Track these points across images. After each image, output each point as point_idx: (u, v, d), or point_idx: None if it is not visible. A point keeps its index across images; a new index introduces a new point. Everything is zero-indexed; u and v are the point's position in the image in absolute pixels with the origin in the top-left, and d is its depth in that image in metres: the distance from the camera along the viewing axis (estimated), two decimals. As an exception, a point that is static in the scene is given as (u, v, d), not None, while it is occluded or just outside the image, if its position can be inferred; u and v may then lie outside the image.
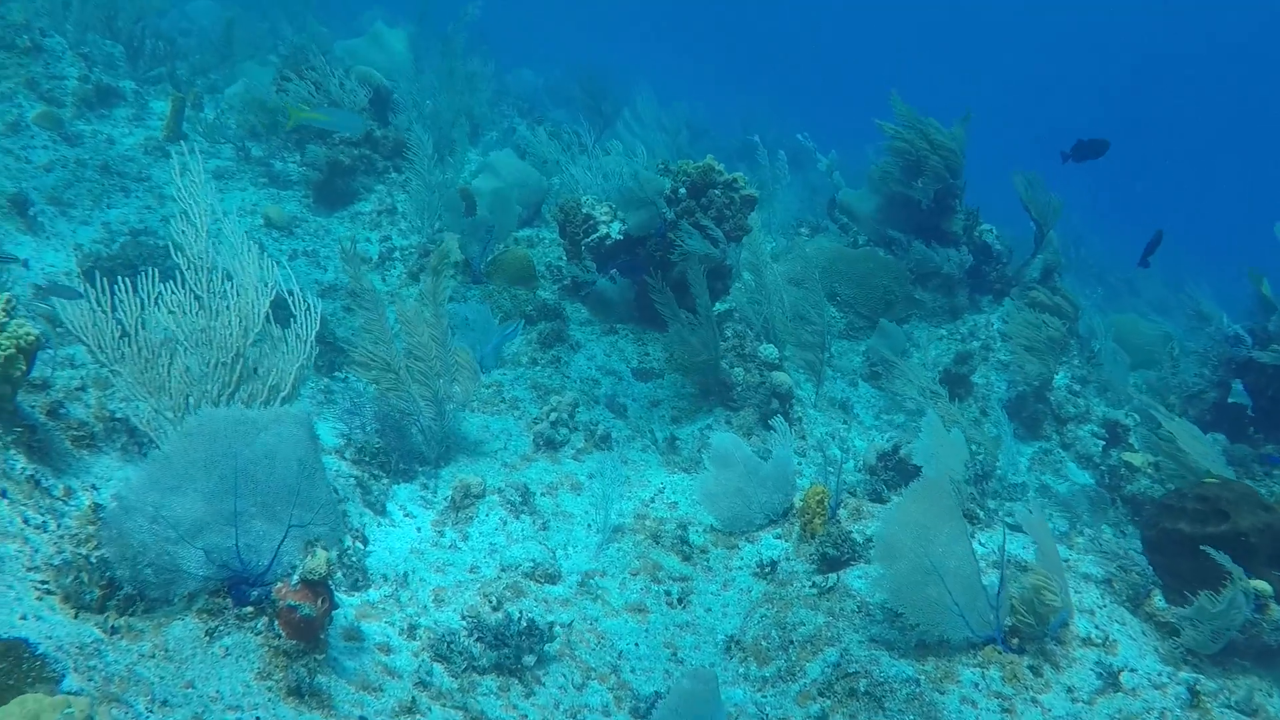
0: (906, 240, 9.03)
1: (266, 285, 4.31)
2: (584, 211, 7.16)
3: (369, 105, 9.22)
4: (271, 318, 4.24)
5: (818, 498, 4.82)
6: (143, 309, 3.93)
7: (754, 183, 7.23)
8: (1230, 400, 7.55)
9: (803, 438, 6.76)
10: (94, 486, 3.78)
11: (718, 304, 7.31)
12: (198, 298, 4.10)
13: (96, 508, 3.36)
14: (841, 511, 4.99)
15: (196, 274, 4.15)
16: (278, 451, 3.19)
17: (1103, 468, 7.27)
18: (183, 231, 4.19)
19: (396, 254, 8.06)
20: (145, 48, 10.74)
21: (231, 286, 4.23)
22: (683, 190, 6.85)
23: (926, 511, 3.80)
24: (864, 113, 9.84)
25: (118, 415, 4.34)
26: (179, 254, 4.15)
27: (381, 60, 11.79)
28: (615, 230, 7.08)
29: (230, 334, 4.08)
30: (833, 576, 4.48)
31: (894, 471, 6.14)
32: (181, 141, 9.18)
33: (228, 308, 4.16)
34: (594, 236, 7.08)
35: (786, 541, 5.04)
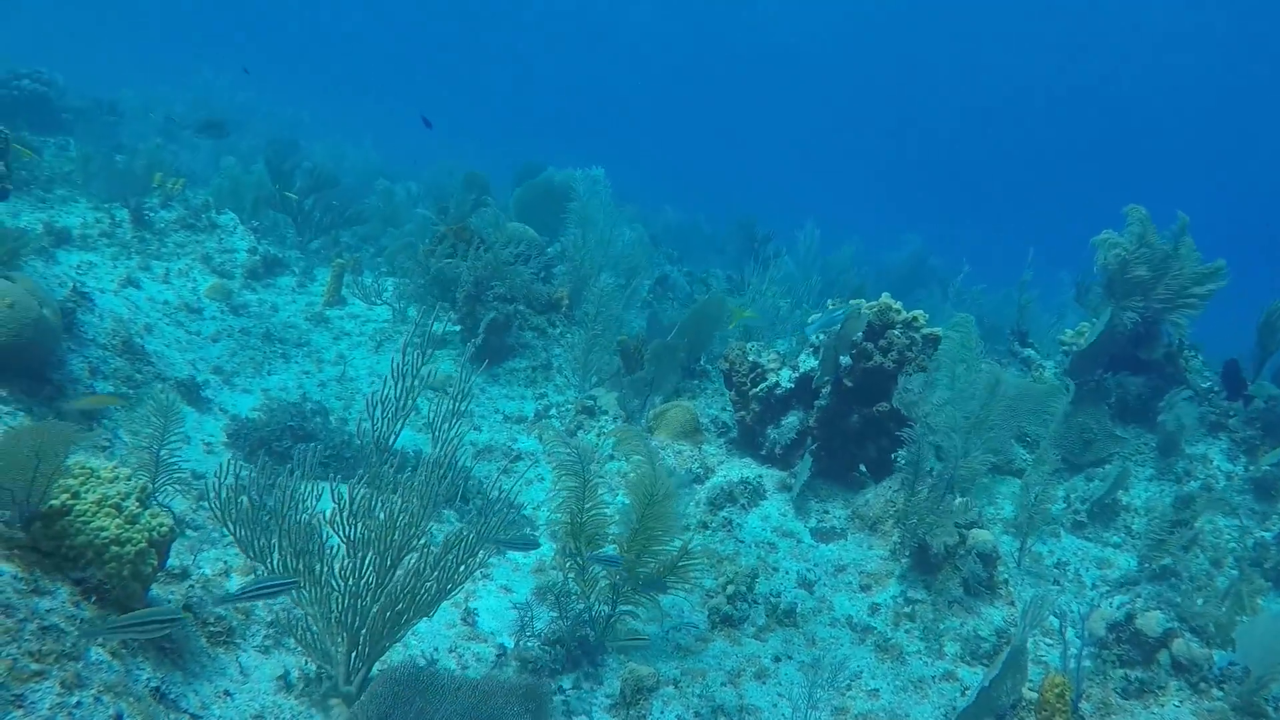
0: (1113, 375, 8.20)
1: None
2: (750, 359, 6.71)
3: (524, 260, 9.17)
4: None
5: (1056, 690, 4.03)
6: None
7: (933, 320, 6.64)
8: None
9: (1011, 603, 5.93)
10: (227, 693, 3.41)
11: (900, 453, 6.65)
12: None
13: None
14: (1084, 705, 4.18)
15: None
16: None
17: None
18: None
19: (553, 411, 7.77)
20: (314, 218, 11.14)
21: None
22: (859, 334, 6.33)
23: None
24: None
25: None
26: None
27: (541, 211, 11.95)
28: (785, 378, 6.59)
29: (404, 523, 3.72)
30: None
31: (1129, 645, 5.24)
32: (341, 306, 9.32)
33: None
34: (763, 386, 6.60)
35: (1022, 745, 4.23)
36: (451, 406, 4.15)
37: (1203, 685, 4.76)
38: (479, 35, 64.38)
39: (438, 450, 4.06)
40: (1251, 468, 7.65)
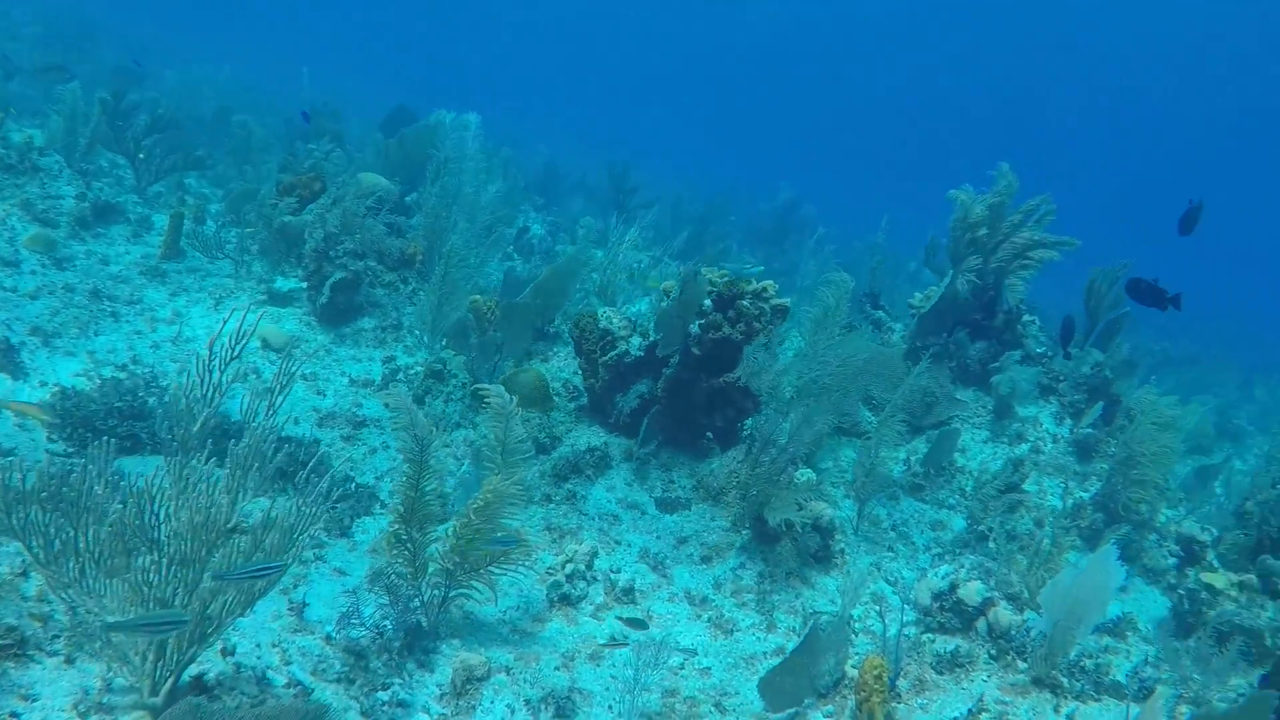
0: (955, 338, 8.46)
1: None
2: (601, 326, 6.65)
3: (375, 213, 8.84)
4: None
5: (875, 672, 4.16)
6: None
7: (785, 289, 6.69)
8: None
9: (846, 573, 6.12)
10: (14, 715, 3.21)
11: (747, 422, 6.74)
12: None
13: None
14: (902, 683, 4.34)
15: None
16: None
17: (1180, 591, 6.56)
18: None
19: (400, 375, 7.57)
20: (153, 160, 10.46)
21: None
22: (708, 302, 6.33)
23: None
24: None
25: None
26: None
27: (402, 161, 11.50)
28: (635, 346, 6.57)
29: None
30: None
31: (951, 613, 5.48)
32: (179, 259, 8.83)
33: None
34: (612, 354, 6.56)
35: None
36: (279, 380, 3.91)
37: (1008, 656, 5.01)
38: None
39: (263, 423, 3.84)
40: (1075, 430, 8.07)
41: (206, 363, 3.88)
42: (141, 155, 10.22)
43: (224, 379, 3.95)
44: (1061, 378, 8.45)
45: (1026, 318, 8.88)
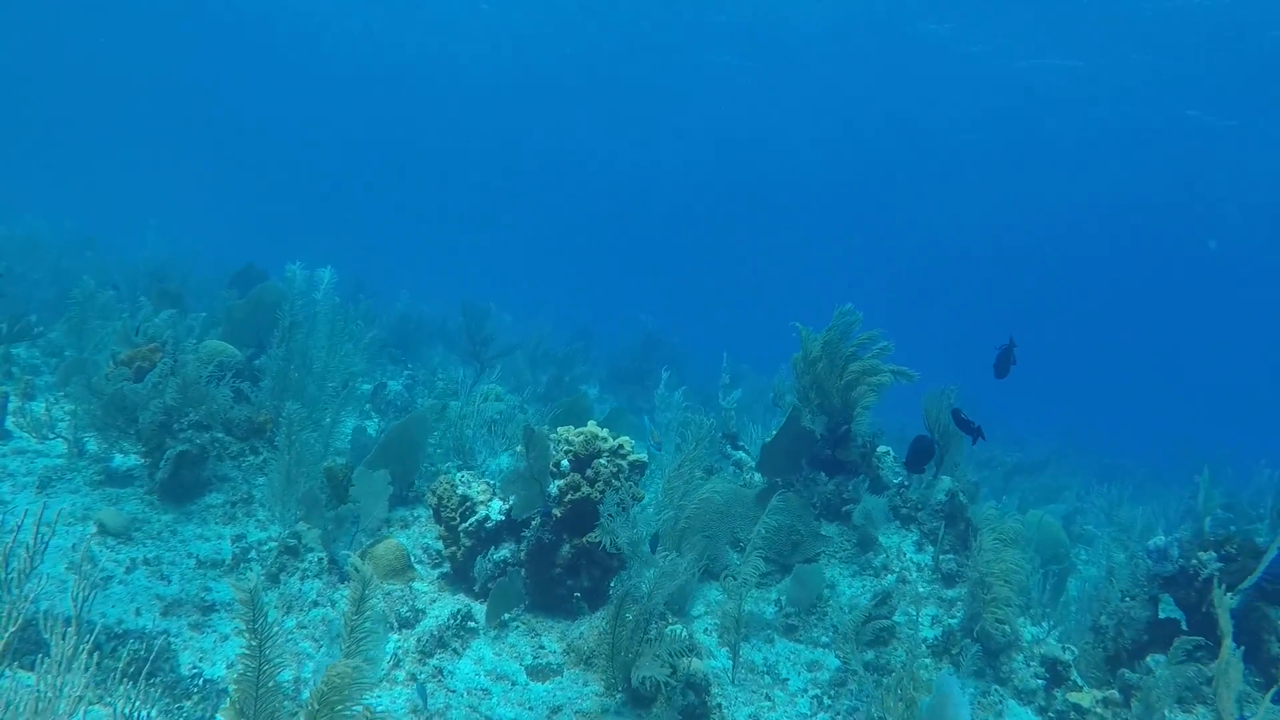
0: (810, 474, 8.65)
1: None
2: (459, 493, 6.52)
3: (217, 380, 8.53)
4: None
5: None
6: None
7: (641, 447, 6.72)
8: (1162, 616, 7.18)
9: (725, 728, 6.00)
10: None
11: (612, 581, 6.65)
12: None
13: None
14: None
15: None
16: None
17: (1050, 714, 6.69)
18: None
19: (253, 553, 7.19)
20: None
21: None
22: (565, 463, 6.30)
23: None
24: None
25: None
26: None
27: (250, 325, 11.20)
28: (495, 510, 6.44)
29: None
30: None
31: (832, 764, 5.42)
32: (5, 441, 8.29)
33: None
34: (472, 520, 6.41)
35: None
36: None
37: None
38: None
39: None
40: (941, 559, 8.27)
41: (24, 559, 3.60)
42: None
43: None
44: (919, 506, 8.70)
45: (881, 449, 9.18)
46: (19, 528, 7.26)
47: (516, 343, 16.54)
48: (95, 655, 3.83)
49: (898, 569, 8.32)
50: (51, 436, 8.38)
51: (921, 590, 8.07)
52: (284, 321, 9.13)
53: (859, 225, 67.88)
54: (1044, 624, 7.94)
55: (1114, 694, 6.75)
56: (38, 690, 3.51)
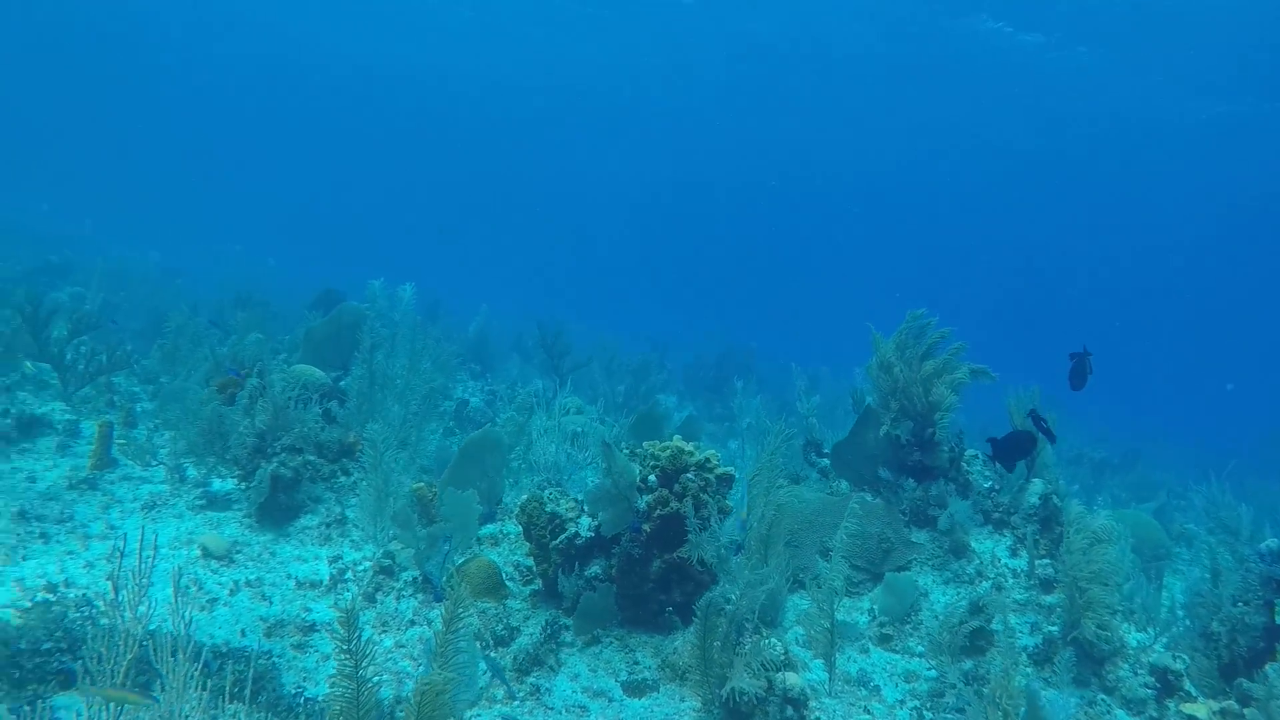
0: (896, 480, 8.52)
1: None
2: (548, 510, 6.56)
3: (305, 404, 8.74)
4: None
5: None
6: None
7: (726, 459, 6.68)
8: (1279, 622, 6.90)
9: (824, 742, 5.93)
10: None
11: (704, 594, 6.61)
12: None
13: None
14: None
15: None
16: None
17: (1163, 727, 6.48)
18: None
19: (349, 573, 7.34)
20: (79, 366, 10.28)
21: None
22: (653, 478, 6.30)
23: None
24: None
25: None
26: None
27: (334, 346, 11.45)
28: (585, 527, 6.47)
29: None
30: None
31: (936, 778, 5.32)
32: (111, 469, 8.59)
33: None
34: (562, 537, 6.44)
35: None
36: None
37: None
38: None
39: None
40: (1037, 564, 8.06)
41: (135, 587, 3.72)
42: (69, 359, 10.07)
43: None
44: (1012, 510, 8.51)
45: (969, 452, 8.99)
46: (121, 553, 7.53)
47: (591, 354, 16.61)
48: (205, 678, 3.95)
49: (992, 575, 8.14)
50: (154, 463, 8.66)
51: (1018, 597, 7.88)
52: (365, 342, 9.32)
53: (930, 228, 66.95)
54: (1149, 630, 7.68)
55: (1232, 705, 6.49)
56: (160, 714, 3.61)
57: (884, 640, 7.55)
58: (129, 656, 4.25)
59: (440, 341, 13.50)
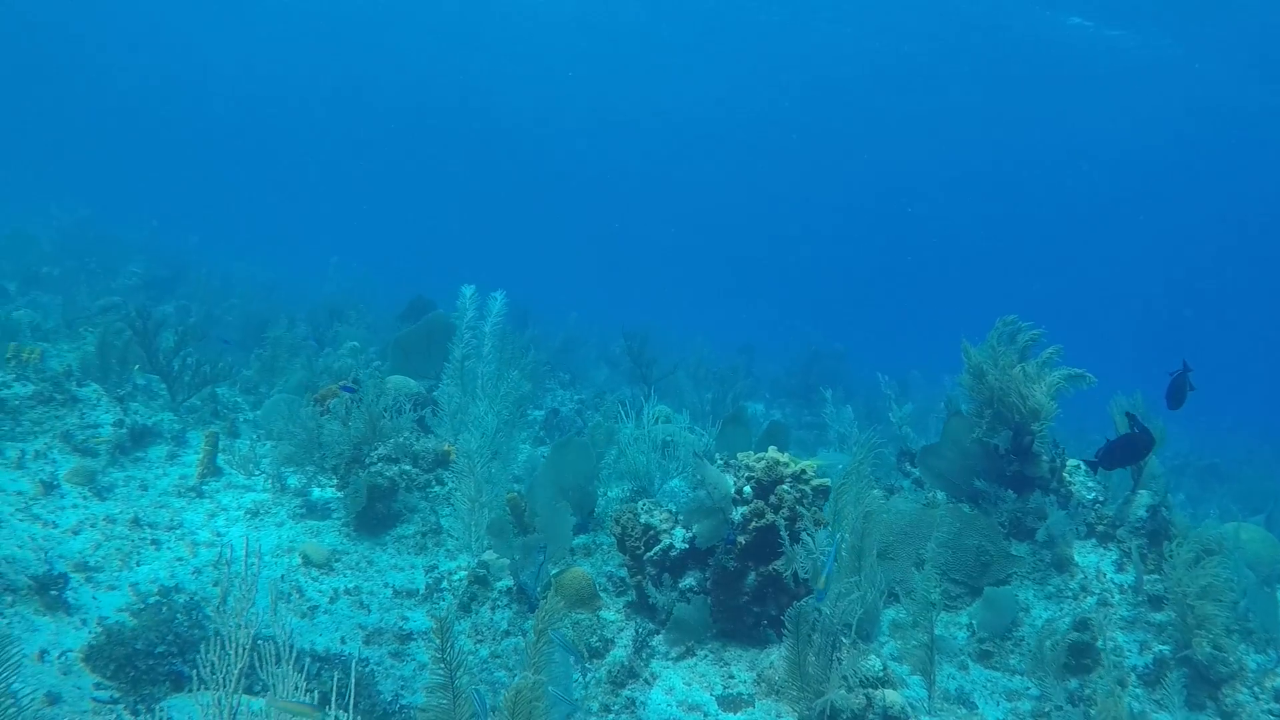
0: (994, 491, 8.31)
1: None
2: (642, 521, 6.56)
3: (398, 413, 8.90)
4: None
5: None
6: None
7: (823, 470, 6.61)
8: None
9: (925, 761, 5.81)
10: None
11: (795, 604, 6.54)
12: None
13: None
14: None
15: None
16: None
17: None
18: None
19: (444, 582, 7.45)
20: (185, 377, 10.64)
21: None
22: (748, 489, 6.25)
23: None
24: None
25: None
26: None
27: (425, 356, 11.66)
28: (679, 539, 6.45)
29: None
30: None
31: (1044, 802, 5.15)
32: (217, 477, 8.87)
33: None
34: (657, 549, 6.44)
35: None
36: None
37: None
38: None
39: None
40: (1146, 579, 7.77)
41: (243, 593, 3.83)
42: (175, 370, 10.44)
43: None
44: (1118, 522, 8.22)
45: (1071, 462, 8.72)
46: (229, 562, 7.76)
47: (677, 362, 16.60)
48: (308, 683, 4.04)
49: (1098, 591, 7.87)
50: (256, 472, 8.92)
51: (1125, 614, 7.61)
52: (456, 352, 9.44)
53: (1022, 231, 65.40)
54: (1269, 651, 7.34)
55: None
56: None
57: (984, 657, 7.37)
58: (239, 664, 4.36)
59: (528, 349, 13.67)
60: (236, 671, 4.65)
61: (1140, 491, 8.33)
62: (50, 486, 7.94)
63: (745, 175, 62.54)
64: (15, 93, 54.42)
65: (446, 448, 8.86)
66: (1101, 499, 8.49)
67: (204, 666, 4.68)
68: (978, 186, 56.12)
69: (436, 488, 8.60)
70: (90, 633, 6.16)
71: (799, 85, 41.09)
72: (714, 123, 50.36)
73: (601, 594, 7.08)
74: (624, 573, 7.12)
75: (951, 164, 51.16)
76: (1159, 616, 7.52)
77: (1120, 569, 8.02)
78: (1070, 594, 7.90)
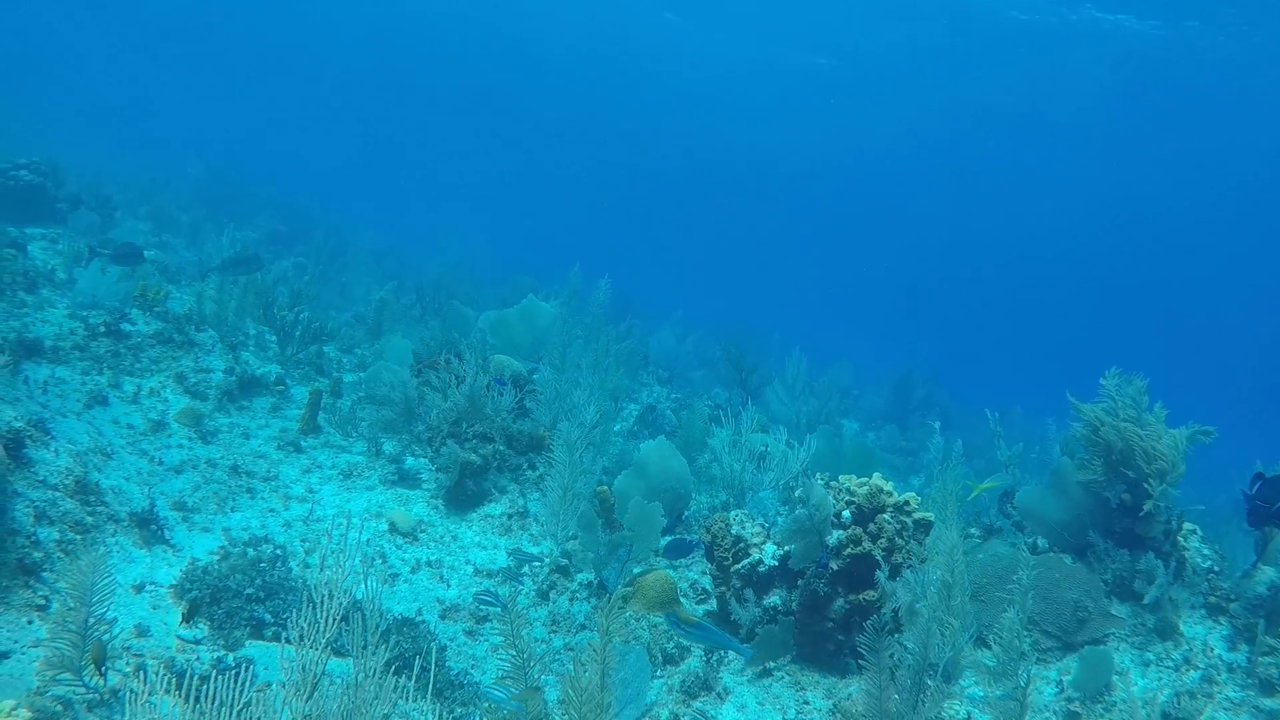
0: (1106, 547, 7.91)
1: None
2: (733, 533, 6.41)
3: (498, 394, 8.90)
4: None
5: None
6: None
7: (927, 501, 6.36)
8: None
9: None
10: None
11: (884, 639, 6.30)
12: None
13: None
14: None
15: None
16: None
17: None
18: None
19: (525, 568, 7.42)
20: (296, 332, 10.87)
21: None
22: (847, 514, 6.04)
23: None
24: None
25: None
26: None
27: (524, 336, 11.69)
28: (770, 555, 6.28)
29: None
30: None
31: None
32: (316, 434, 9.02)
33: None
34: (745, 563, 6.28)
35: None
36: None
37: None
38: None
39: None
40: (1260, 661, 7.29)
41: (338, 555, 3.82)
42: (289, 323, 10.67)
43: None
44: (1233, 596, 7.73)
45: (1188, 526, 8.25)
46: (320, 520, 7.87)
47: (774, 370, 16.35)
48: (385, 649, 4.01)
49: (1203, 666, 7.41)
50: (354, 435, 9.04)
51: (1232, 694, 7.15)
52: (555, 339, 9.41)
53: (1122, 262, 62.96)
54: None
55: None
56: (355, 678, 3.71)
57: (1071, 717, 7.01)
58: (332, 624, 4.35)
59: (625, 341, 13.61)
60: (325, 640, 4.64)
61: (1263, 567, 7.83)
62: (160, 425, 8.17)
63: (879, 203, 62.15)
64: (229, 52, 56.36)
65: (542, 432, 8.84)
66: (1216, 569, 8.00)
67: (291, 627, 4.71)
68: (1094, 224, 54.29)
69: (528, 471, 8.58)
70: (182, 570, 6.30)
71: (951, 114, 40.27)
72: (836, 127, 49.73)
73: (682, 599, 6.96)
74: (707, 581, 6.98)
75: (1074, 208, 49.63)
76: (1270, 703, 7.05)
77: (1232, 646, 7.54)
78: (1172, 664, 7.46)
